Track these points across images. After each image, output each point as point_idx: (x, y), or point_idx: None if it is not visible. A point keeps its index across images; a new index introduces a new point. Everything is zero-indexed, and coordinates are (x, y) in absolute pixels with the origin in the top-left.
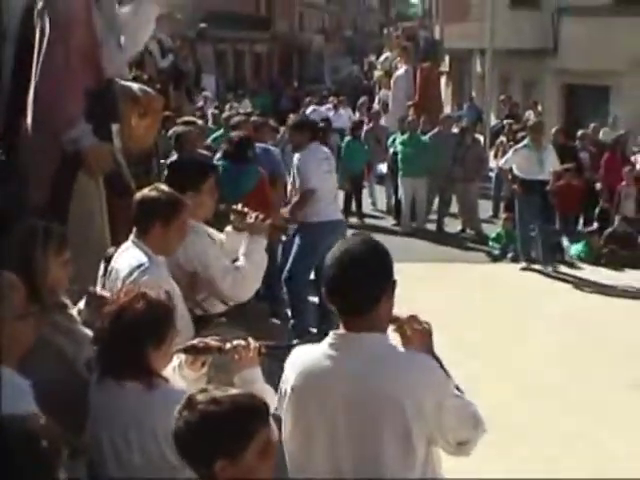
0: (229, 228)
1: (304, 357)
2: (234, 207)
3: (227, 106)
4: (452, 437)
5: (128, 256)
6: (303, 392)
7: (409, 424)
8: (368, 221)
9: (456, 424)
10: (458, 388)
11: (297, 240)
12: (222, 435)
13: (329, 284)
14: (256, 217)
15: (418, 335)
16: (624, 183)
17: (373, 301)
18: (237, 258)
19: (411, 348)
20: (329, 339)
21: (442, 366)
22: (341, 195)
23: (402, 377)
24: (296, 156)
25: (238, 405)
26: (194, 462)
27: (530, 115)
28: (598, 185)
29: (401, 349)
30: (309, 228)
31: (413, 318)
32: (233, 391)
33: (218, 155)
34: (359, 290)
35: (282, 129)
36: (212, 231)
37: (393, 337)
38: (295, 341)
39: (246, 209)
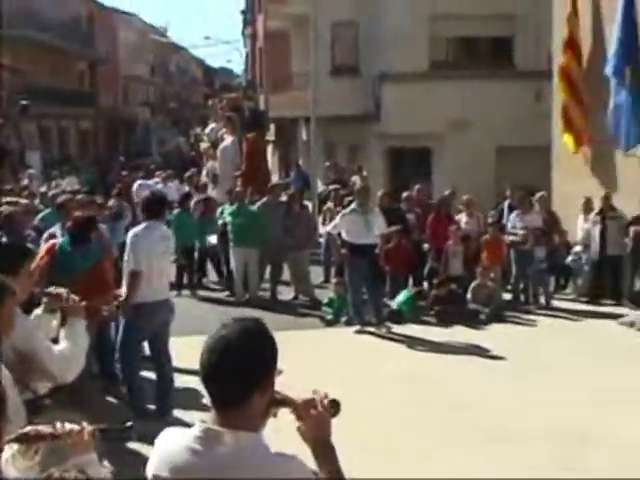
0: (38, 311)
1: (170, 444)
2: (47, 290)
3: (53, 183)
4: None
5: None
6: None
7: None
8: (201, 293)
9: None
10: None
11: (123, 320)
12: None
13: (202, 370)
14: (72, 300)
15: (313, 420)
16: (450, 242)
17: (245, 394)
18: (54, 339)
19: (305, 432)
20: (196, 430)
21: (333, 455)
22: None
23: None
24: (130, 232)
25: None
26: None
27: (356, 180)
28: (426, 245)
29: (268, 450)
30: (137, 309)
31: (310, 402)
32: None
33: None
34: (229, 381)
35: (110, 204)
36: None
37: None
38: (129, 423)
39: (60, 292)
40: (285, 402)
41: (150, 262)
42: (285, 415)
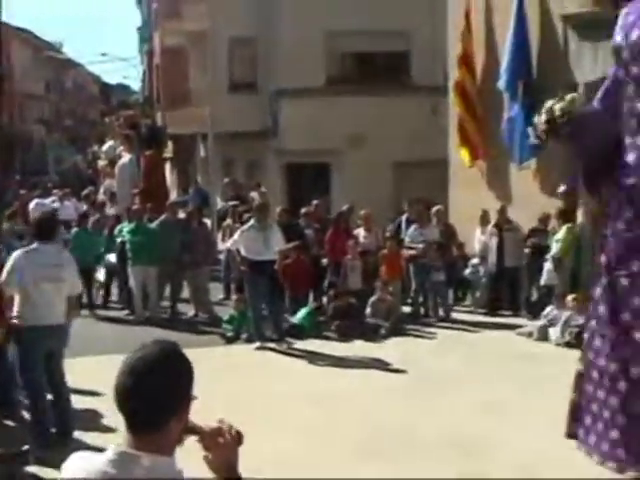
0: None
1: (81, 468)
2: None
3: None
4: None
5: None
6: None
7: None
8: (100, 312)
9: None
10: None
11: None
12: None
13: (118, 392)
14: None
15: (220, 449)
16: (349, 257)
17: (162, 418)
18: None
19: (212, 462)
20: (110, 454)
21: None
22: None
23: None
24: (16, 252)
25: None
26: None
27: (255, 196)
28: (324, 260)
29: (181, 475)
30: (20, 333)
31: (217, 431)
32: None
33: None
34: (148, 404)
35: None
36: None
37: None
38: (25, 447)
39: None
40: (194, 430)
41: (28, 286)
42: (190, 443)
